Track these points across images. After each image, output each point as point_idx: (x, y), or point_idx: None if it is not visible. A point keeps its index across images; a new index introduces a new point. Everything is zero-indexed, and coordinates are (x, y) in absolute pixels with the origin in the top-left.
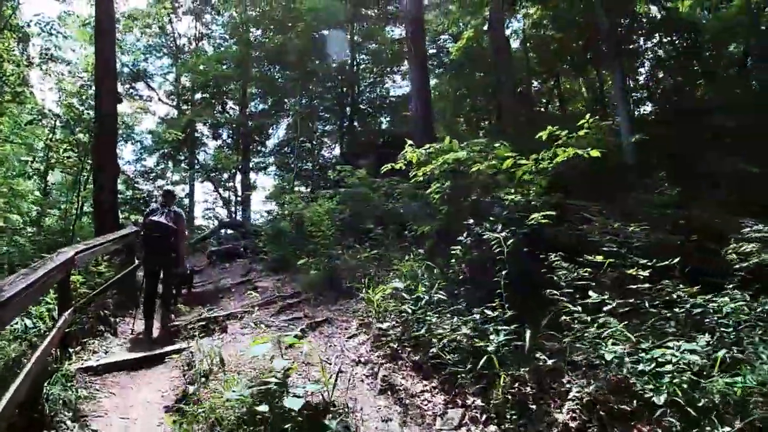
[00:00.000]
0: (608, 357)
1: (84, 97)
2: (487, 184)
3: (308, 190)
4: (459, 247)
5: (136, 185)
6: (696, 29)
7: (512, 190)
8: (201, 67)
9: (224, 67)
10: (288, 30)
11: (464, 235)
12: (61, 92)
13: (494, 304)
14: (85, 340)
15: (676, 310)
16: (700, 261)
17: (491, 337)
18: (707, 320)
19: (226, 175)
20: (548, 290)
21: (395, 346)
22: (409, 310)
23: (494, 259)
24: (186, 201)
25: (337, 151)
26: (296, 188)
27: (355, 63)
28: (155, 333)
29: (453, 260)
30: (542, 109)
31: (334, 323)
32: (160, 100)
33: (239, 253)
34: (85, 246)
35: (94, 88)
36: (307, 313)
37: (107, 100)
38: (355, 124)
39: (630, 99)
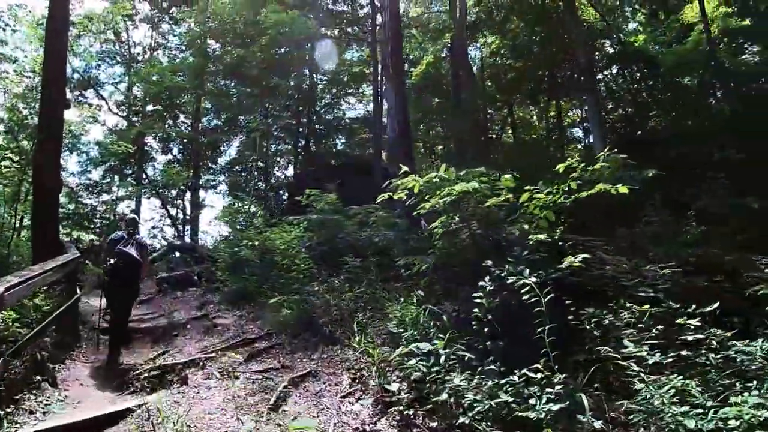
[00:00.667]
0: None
1: (29, 100)
2: (494, 219)
3: (262, 212)
4: (480, 294)
5: (79, 199)
6: (653, 62)
7: (525, 226)
8: (155, 78)
9: (179, 78)
10: (249, 44)
11: (486, 279)
12: (4, 92)
13: (536, 365)
14: (18, 396)
15: (720, 357)
16: (727, 302)
17: (531, 401)
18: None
19: (174, 192)
20: (591, 344)
21: (408, 412)
22: (422, 368)
23: (525, 308)
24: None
25: (290, 171)
26: (252, 210)
27: (313, 82)
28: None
29: (476, 309)
30: (494, 136)
31: (320, 377)
32: (109, 109)
33: (193, 281)
34: (19, 279)
35: (40, 89)
36: (283, 362)
37: (55, 103)
38: (311, 145)
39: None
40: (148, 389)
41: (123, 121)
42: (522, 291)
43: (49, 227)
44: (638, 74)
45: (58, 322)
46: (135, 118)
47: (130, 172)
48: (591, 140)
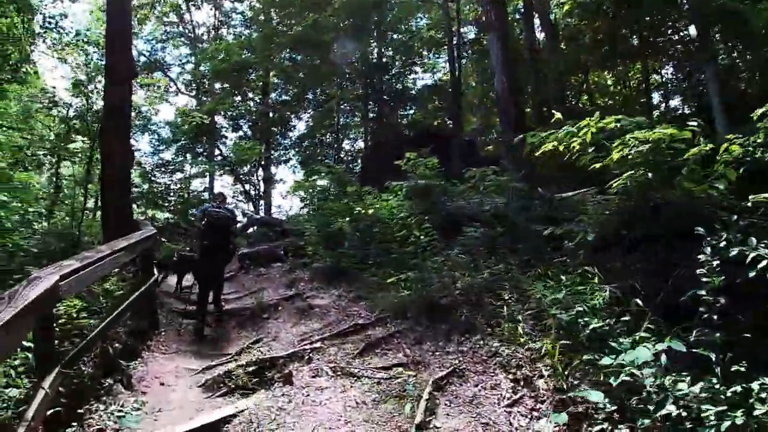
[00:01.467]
0: None
1: (93, 74)
2: (697, 177)
3: (353, 181)
4: (704, 271)
5: (153, 178)
6: None
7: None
8: (221, 55)
9: (245, 55)
10: (315, 13)
11: (708, 252)
12: (68, 65)
13: None
14: (83, 409)
15: None
16: None
17: None
18: None
19: (246, 168)
20: None
21: None
22: (642, 376)
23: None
24: (205, 195)
25: (359, 144)
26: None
27: (381, 51)
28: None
29: (699, 291)
30: (573, 102)
31: (468, 377)
32: (178, 90)
33: (278, 256)
34: (79, 263)
35: (105, 54)
36: (410, 355)
37: (119, 71)
38: (382, 116)
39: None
40: (243, 390)
41: (192, 100)
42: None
43: (122, 203)
44: None
45: (132, 309)
46: (204, 98)
47: (201, 150)
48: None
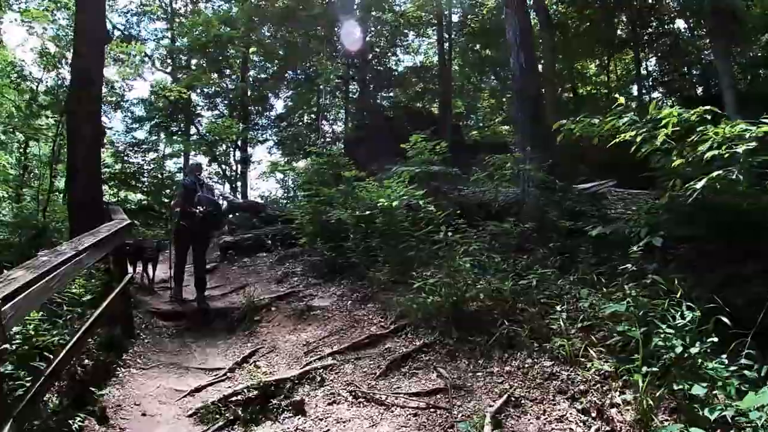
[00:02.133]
0: None
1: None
2: None
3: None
4: None
5: (126, 158)
6: None
7: None
8: (200, 29)
9: (225, 30)
10: None
11: None
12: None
13: None
14: None
15: None
16: None
17: None
18: None
19: (223, 147)
20: None
21: None
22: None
23: None
24: (179, 177)
25: (339, 126)
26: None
27: (365, 29)
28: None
29: None
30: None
31: (525, 407)
32: (153, 65)
33: (264, 245)
34: (32, 274)
35: (75, 20)
36: (444, 375)
37: (90, 30)
38: (364, 96)
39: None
40: (245, 423)
41: (167, 77)
42: None
43: (90, 187)
44: None
45: (104, 316)
46: (180, 75)
47: (176, 129)
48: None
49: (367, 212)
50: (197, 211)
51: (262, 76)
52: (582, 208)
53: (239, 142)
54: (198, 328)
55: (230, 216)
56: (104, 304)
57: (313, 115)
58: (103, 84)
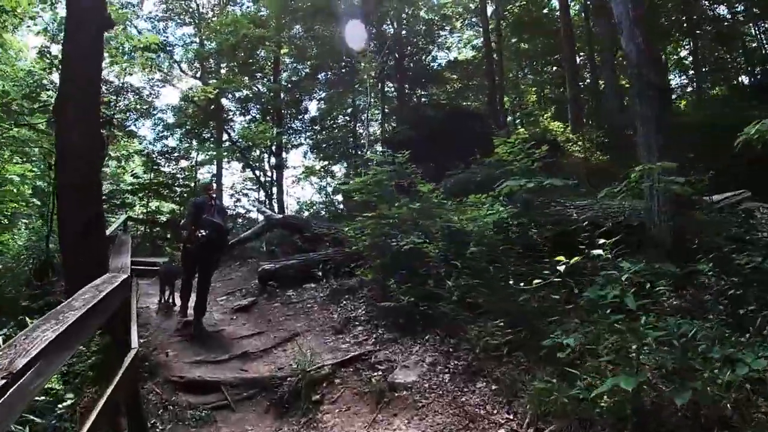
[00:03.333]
0: None
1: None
2: None
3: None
4: None
5: (157, 167)
6: None
7: None
8: (229, 29)
9: (255, 30)
10: None
11: None
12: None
13: None
14: None
15: None
16: None
17: None
18: None
19: (257, 152)
20: None
21: None
22: None
23: None
24: (214, 185)
25: (373, 127)
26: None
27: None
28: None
29: None
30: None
31: None
32: (182, 71)
33: (312, 274)
34: None
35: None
36: None
37: (86, 10)
38: (405, 95)
39: None
40: None
41: (197, 82)
42: None
43: (85, 216)
44: None
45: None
46: (211, 81)
47: (208, 136)
48: None
49: (457, 240)
50: (199, 234)
51: (294, 78)
52: (736, 230)
53: (273, 148)
54: (233, 407)
55: (267, 234)
56: (100, 405)
57: (347, 117)
58: (101, 81)
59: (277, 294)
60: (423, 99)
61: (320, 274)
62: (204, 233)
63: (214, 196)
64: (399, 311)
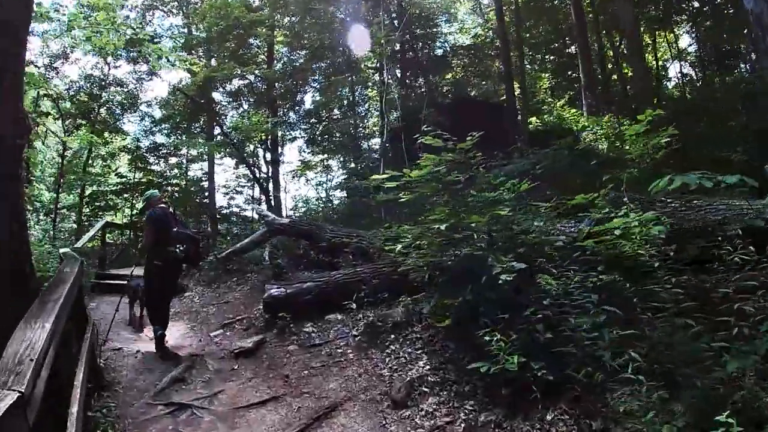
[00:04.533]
0: None
1: None
2: None
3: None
4: None
5: (147, 166)
6: None
7: None
8: (221, 12)
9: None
10: None
11: None
12: None
13: None
14: None
15: None
16: None
17: None
18: None
19: (251, 148)
20: None
21: None
22: None
23: None
24: (205, 183)
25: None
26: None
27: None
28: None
29: None
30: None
31: None
32: (169, 62)
33: (337, 303)
34: None
35: None
36: None
37: None
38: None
39: None
40: None
41: (186, 75)
42: None
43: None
44: None
45: None
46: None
47: (198, 130)
48: None
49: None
50: (177, 250)
51: (290, 69)
52: None
53: (269, 141)
54: None
55: (272, 240)
56: None
57: (344, 109)
58: (26, 49)
59: (291, 330)
60: (428, 87)
61: (354, 306)
62: (181, 248)
63: (166, 208)
64: (499, 377)
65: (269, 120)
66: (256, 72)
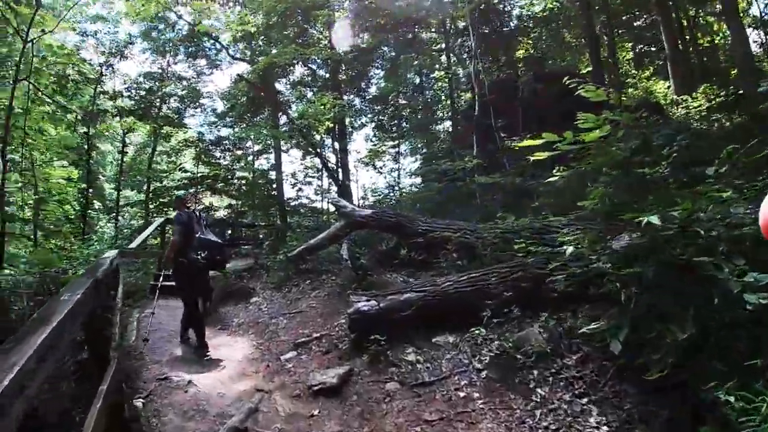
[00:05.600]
0: None
1: None
2: None
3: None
4: None
5: (213, 161)
6: None
7: None
8: None
9: None
10: None
11: None
12: None
13: None
14: None
15: None
16: None
17: None
18: None
19: (318, 137)
20: None
21: None
22: None
23: None
24: (272, 175)
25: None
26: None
27: None
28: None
29: None
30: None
31: None
32: (229, 55)
33: (444, 317)
34: None
35: None
36: None
37: None
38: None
39: None
40: None
41: (246, 66)
42: None
43: None
44: None
45: None
46: (261, 58)
47: (263, 122)
48: None
49: None
50: (198, 257)
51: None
52: None
53: (336, 131)
54: None
55: (350, 235)
56: None
57: (411, 93)
58: None
59: (387, 358)
60: (502, 61)
61: (484, 330)
62: (203, 255)
63: (192, 209)
64: None
65: (336, 103)
66: (320, 55)
